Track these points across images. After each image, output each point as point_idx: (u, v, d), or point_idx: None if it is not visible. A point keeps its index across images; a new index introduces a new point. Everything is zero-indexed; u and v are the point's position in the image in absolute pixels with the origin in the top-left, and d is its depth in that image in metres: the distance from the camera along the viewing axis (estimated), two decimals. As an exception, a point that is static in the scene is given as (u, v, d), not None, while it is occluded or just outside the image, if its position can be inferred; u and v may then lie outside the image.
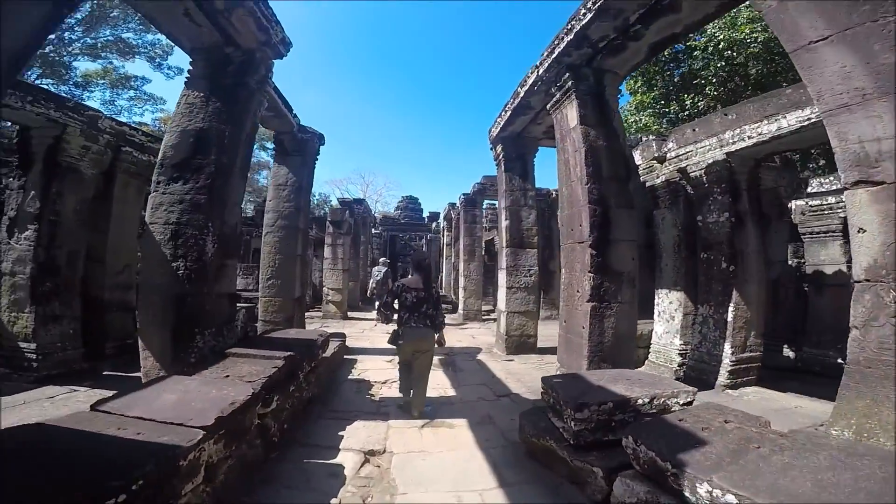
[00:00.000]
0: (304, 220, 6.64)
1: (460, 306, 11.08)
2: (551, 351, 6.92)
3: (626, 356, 4.18)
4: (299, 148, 6.75)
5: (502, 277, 6.85)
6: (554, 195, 11.60)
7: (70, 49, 20.07)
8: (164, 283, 3.63)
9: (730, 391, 4.88)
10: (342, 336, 6.52)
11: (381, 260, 15.52)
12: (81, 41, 20.01)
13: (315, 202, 36.23)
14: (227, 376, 3.07)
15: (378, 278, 12.54)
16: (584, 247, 4.07)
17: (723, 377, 4.98)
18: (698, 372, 5.25)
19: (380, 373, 5.35)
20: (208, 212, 3.77)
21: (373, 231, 18.35)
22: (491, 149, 7.64)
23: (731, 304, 5.03)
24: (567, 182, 4.55)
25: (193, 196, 3.79)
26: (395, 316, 3.91)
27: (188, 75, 4.27)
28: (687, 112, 14.53)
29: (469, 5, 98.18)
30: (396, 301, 3.85)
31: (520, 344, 6.62)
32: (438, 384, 4.96)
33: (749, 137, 4.89)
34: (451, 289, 14.86)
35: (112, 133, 5.33)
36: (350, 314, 11.27)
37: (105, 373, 5.04)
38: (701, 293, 5.41)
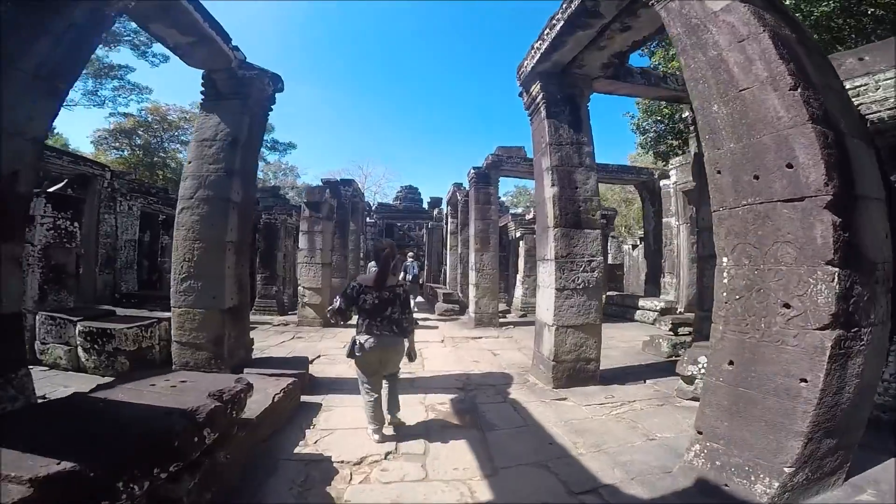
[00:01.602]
0: (243, 189, 4.36)
1: (471, 308, 8.82)
2: (616, 378, 4.69)
3: (862, 419, 1.95)
4: (239, 89, 4.49)
5: (547, 273, 4.57)
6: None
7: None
8: None
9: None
10: (300, 367, 4.24)
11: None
12: None
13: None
14: None
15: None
16: (809, 209, 1.82)
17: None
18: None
19: (355, 438, 3.08)
20: None
21: (367, 220, 16.06)
22: (521, 93, 5.36)
23: None
24: (728, 92, 2.28)
25: None
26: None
27: None
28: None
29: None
30: (355, 306, 3.05)
31: (575, 372, 4.37)
32: (458, 468, 2.70)
33: None
34: (457, 285, 12.61)
35: None
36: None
37: None
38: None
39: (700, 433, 2.31)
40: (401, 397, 3.38)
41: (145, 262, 12.29)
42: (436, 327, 8.54)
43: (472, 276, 8.66)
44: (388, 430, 3.13)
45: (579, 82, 4.92)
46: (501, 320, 8.92)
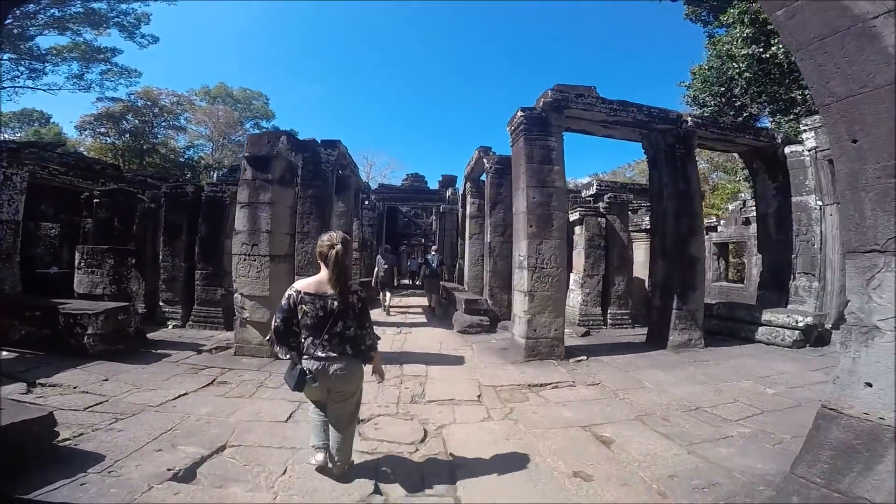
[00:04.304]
0: None
1: (518, 328, 5.51)
2: None
3: None
4: None
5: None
6: (690, 120, 6.02)
7: (34, 21, 17.71)
8: None
9: None
10: None
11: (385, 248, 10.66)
12: (48, 13, 17.64)
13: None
14: None
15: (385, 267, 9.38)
16: None
17: None
18: None
19: None
20: None
21: (365, 203, 12.83)
22: None
23: None
24: None
25: None
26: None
27: None
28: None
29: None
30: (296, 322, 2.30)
31: None
32: None
33: None
34: (482, 285, 9.40)
35: None
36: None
37: None
38: None
39: None
40: None
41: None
42: (460, 358, 5.30)
43: (522, 277, 5.38)
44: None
45: None
46: (567, 343, 5.63)
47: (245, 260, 4.82)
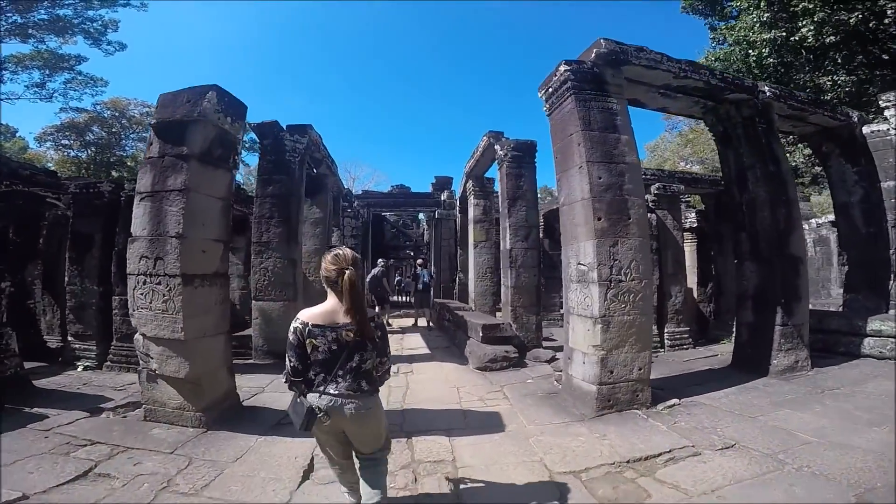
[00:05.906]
0: None
1: (582, 367, 3.74)
2: None
3: None
4: None
5: None
6: (767, 91, 4.60)
7: (-8, 28, 16.32)
8: None
9: None
10: None
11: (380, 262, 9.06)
12: (10, 19, 16.34)
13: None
14: None
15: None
16: None
17: None
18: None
19: None
20: None
21: (347, 210, 11.07)
22: None
23: None
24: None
25: None
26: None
27: None
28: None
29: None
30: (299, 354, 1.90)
31: None
32: None
33: None
34: (492, 304, 7.82)
35: None
36: (252, 402, 4.09)
37: None
38: None
39: None
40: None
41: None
42: (495, 416, 3.59)
43: (588, 295, 3.68)
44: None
45: None
46: (653, 388, 3.95)
47: (146, 283, 3.04)
